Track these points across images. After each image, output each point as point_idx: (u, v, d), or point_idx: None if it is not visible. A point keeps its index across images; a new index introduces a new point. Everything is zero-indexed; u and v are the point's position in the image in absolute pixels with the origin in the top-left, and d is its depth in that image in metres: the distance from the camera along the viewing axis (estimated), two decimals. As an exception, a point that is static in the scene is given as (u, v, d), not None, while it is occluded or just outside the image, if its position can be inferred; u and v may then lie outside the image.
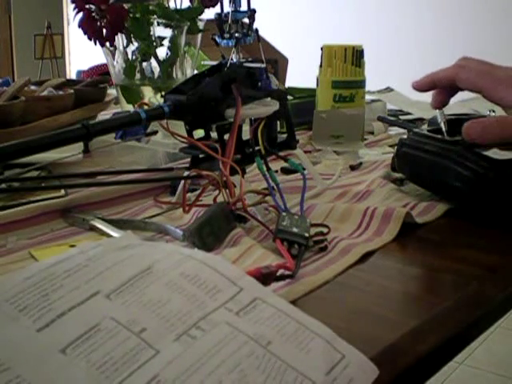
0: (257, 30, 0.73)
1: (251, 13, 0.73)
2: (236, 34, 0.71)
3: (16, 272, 0.39)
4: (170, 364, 0.33)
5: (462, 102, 1.31)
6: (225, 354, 0.34)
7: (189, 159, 0.67)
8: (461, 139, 0.68)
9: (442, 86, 0.71)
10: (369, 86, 1.09)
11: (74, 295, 0.37)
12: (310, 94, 1.12)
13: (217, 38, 0.73)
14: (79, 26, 0.93)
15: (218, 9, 0.75)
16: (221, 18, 0.73)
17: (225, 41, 0.72)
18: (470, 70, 0.68)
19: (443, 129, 0.72)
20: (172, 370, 0.33)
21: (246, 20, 0.73)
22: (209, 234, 0.57)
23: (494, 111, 0.78)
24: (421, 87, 0.72)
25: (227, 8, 0.73)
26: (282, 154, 0.70)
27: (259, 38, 0.73)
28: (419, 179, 0.73)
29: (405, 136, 0.75)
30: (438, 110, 0.74)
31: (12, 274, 0.39)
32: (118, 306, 0.36)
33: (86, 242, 0.55)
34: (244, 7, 0.73)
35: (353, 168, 0.87)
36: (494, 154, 0.65)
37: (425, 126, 0.98)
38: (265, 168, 0.65)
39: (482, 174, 0.63)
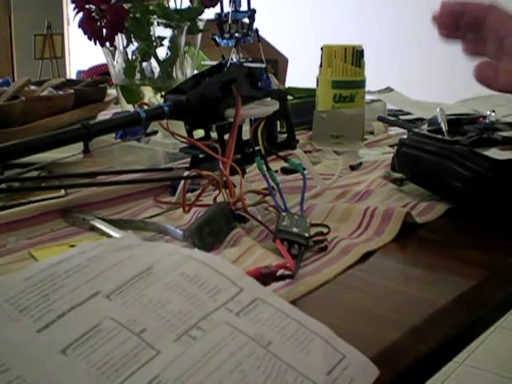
0: (257, 30, 0.73)
1: (251, 13, 0.72)
2: (236, 34, 0.71)
3: (16, 272, 0.39)
4: (171, 364, 0.33)
5: (462, 102, 1.31)
6: (225, 355, 0.34)
7: (189, 159, 0.67)
8: (461, 139, 0.68)
9: (467, 22, 0.60)
10: (369, 86, 1.09)
11: (74, 295, 0.37)
12: (309, 94, 1.12)
13: (217, 38, 0.73)
14: (79, 26, 0.93)
15: (218, 9, 0.75)
16: (221, 18, 0.73)
17: (225, 41, 0.72)
18: (501, 12, 0.60)
19: (443, 129, 0.72)
20: (172, 370, 0.33)
21: (246, 20, 0.73)
22: (209, 233, 0.57)
23: (494, 111, 0.78)
24: (444, 18, 0.60)
25: (227, 8, 0.73)
26: (281, 153, 0.70)
27: (259, 38, 0.72)
28: (419, 179, 0.73)
29: (405, 136, 0.75)
30: (438, 110, 0.74)
31: (12, 274, 0.39)
32: (118, 306, 0.36)
33: (86, 242, 0.55)
34: (244, 7, 0.73)
35: (353, 168, 0.87)
36: (494, 154, 0.65)
37: (425, 126, 0.98)
38: (265, 168, 0.65)
39: (482, 174, 0.63)
